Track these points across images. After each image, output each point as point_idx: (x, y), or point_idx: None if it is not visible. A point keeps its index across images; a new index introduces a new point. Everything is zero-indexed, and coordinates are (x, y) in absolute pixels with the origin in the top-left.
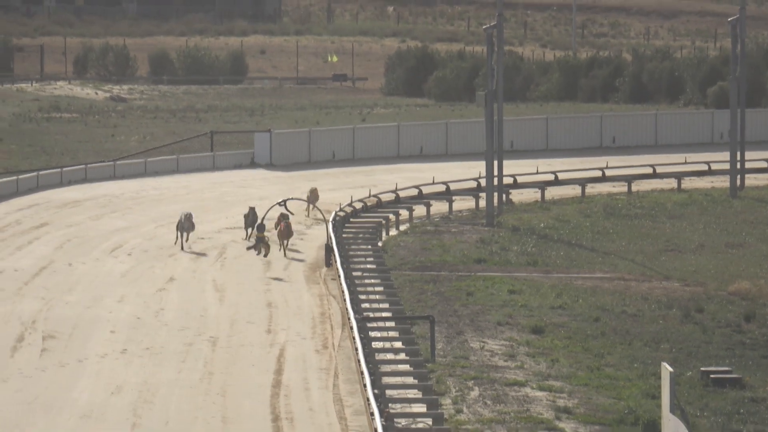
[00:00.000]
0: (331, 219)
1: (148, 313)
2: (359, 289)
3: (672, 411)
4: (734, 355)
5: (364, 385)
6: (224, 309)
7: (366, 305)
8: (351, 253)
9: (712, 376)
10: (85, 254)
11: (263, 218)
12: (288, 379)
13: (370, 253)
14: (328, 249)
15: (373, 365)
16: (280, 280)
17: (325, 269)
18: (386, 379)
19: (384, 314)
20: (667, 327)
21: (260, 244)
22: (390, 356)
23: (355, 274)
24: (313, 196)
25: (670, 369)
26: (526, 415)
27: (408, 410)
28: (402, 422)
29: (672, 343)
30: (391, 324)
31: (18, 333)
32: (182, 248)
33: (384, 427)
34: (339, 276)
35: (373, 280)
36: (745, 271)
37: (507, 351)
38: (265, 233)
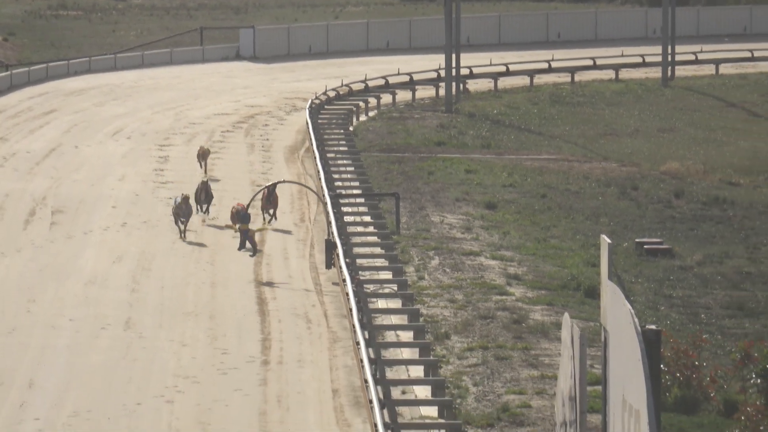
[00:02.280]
0: (307, 106)
1: (145, 190)
2: (332, 169)
3: (609, 278)
4: (665, 228)
5: (337, 255)
6: (215, 185)
7: (339, 183)
8: (325, 136)
9: (645, 246)
10: (90, 138)
11: (248, 205)
12: (269, 248)
13: (343, 136)
14: (330, 245)
15: (344, 237)
16: (263, 162)
17: (302, 151)
18: (356, 249)
19: (354, 191)
20: (605, 203)
21: (246, 238)
22: (360, 229)
23: (329, 155)
24: (203, 154)
25: (608, 240)
26: (481, 281)
27: (376, 277)
28: (370, 287)
29: (610, 217)
30: (361, 200)
31: (30, 208)
32: (182, 237)
33: (355, 292)
34: (314, 157)
35: (345, 161)
36: (675, 153)
37: (464, 224)
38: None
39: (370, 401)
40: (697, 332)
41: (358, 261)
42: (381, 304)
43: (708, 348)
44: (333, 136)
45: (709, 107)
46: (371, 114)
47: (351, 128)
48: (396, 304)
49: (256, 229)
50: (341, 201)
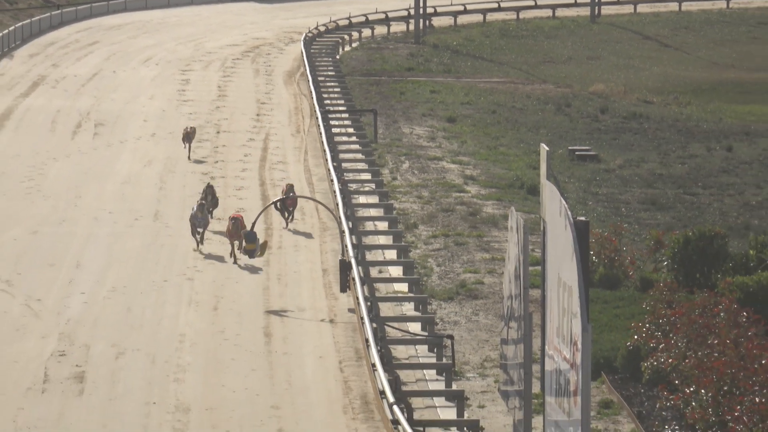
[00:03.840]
0: (302, 39)
1: (170, 107)
2: (322, 89)
3: (548, 178)
4: (592, 138)
5: (326, 160)
6: (227, 102)
7: (327, 101)
8: (317, 63)
9: (576, 153)
10: (125, 64)
11: (253, 225)
12: (271, 155)
13: (330, 63)
14: (344, 266)
15: (332, 145)
16: (266, 84)
17: (298, 75)
18: (342, 155)
19: (340, 108)
20: (544, 117)
21: (257, 251)
22: (344, 139)
23: (319, 78)
24: (189, 135)
25: (546, 148)
26: (443, 181)
27: (358, 178)
28: (353, 186)
29: (548, 129)
30: (345, 116)
31: (77, 122)
32: (200, 246)
33: (341, 190)
34: (308, 80)
35: (332, 84)
36: (601, 77)
37: (429, 135)
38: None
39: (353, 279)
40: (618, 223)
41: (343, 164)
42: (362, 199)
43: (627, 236)
44: (323, 63)
45: (628, 39)
46: (354, 45)
47: (338, 57)
48: (374, 199)
49: (260, 253)
50: (329, 116)
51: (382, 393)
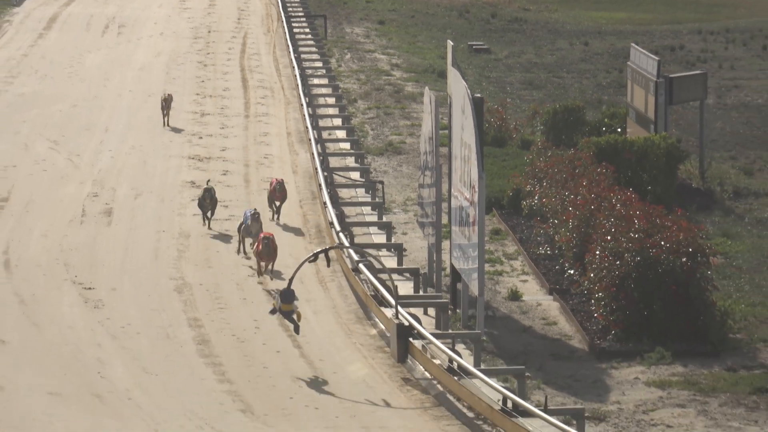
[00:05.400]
0: None
1: (174, 13)
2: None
3: (453, 65)
4: (485, 36)
5: (289, 52)
6: (215, 10)
7: (290, 9)
8: None
9: (473, 47)
10: None
11: (291, 280)
12: (248, 48)
13: None
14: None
15: (293, 41)
16: (245, 3)
17: None
18: (301, 49)
19: (299, 13)
20: (450, 21)
21: (289, 318)
22: (302, 37)
23: None
24: (167, 100)
25: (452, 43)
26: (375, 68)
27: (313, 65)
28: (309, 71)
29: (452, 29)
30: (303, 20)
31: (105, 24)
32: (242, 253)
33: (300, 75)
34: None
35: None
36: None
37: (365, 34)
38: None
39: (309, 139)
40: (505, 98)
41: (302, 56)
42: (316, 81)
43: (511, 108)
44: None
45: None
46: None
47: None
48: (324, 81)
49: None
50: (291, 20)
51: (331, 223)
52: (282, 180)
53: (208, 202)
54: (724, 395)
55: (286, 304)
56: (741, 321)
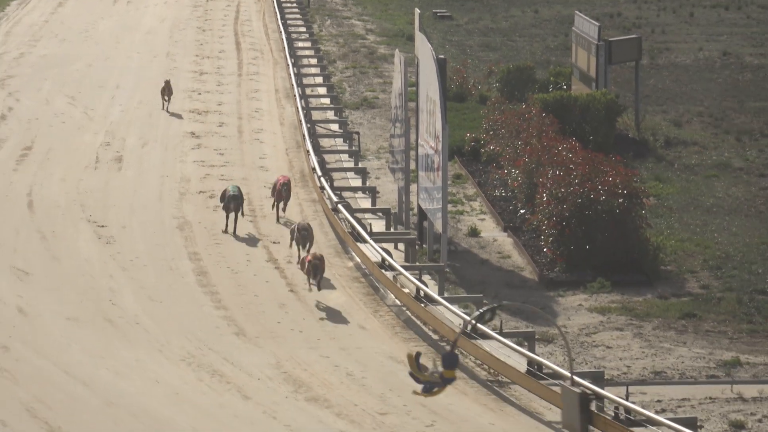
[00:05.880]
0: None
1: None
2: None
3: (420, 30)
4: (448, 4)
5: (277, 19)
6: None
7: None
8: None
9: (438, 14)
10: None
11: (454, 346)
12: (241, 16)
13: None
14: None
15: (280, 9)
16: None
17: None
18: (287, 16)
19: None
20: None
21: (442, 386)
22: (287, 5)
23: None
24: (167, 90)
25: (419, 11)
26: (352, 32)
27: (297, 30)
28: (294, 35)
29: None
30: None
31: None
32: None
33: (286, 38)
34: None
35: None
36: None
37: (343, 2)
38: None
39: (295, 95)
40: (465, 59)
41: (288, 22)
42: (300, 44)
43: (470, 67)
44: None
45: None
46: None
47: None
48: (308, 44)
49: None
50: None
51: (314, 169)
52: (288, 180)
53: (232, 206)
54: (656, 320)
55: (448, 370)
56: (671, 255)
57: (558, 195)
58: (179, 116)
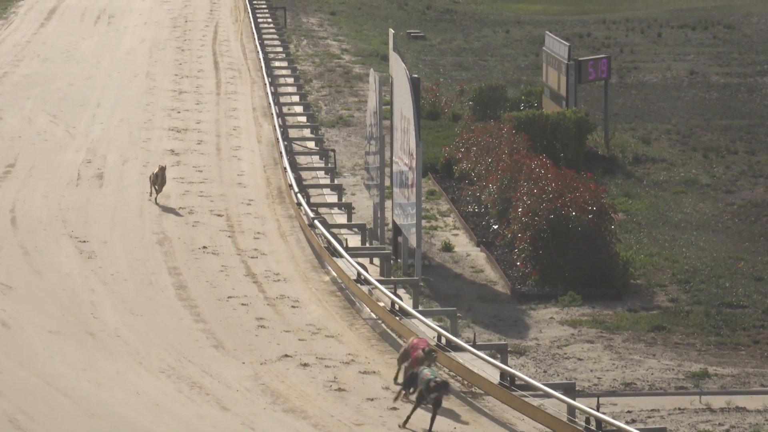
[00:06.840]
0: None
1: (156, 5)
2: None
3: (394, 50)
4: (421, 25)
5: (254, 38)
6: (191, 3)
7: (255, 2)
8: None
9: (411, 34)
10: None
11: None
12: (219, 36)
13: None
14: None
15: (258, 29)
16: None
17: None
18: (264, 36)
19: (262, 4)
20: (391, 12)
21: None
22: (265, 26)
23: None
24: (158, 176)
25: (393, 31)
26: (328, 52)
27: (274, 50)
28: (271, 55)
29: (393, 19)
30: (266, 10)
31: (97, 15)
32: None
33: (263, 58)
34: None
35: None
36: None
37: (319, 23)
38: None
39: (272, 113)
40: (438, 78)
41: (265, 42)
42: (277, 64)
43: (443, 86)
44: None
45: None
46: None
47: None
48: (284, 64)
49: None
50: (256, 8)
51: (291, 186)
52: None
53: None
54: (626, 332)
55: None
56: (641, 269)
57: (533, 208)
58: (159, 133)
